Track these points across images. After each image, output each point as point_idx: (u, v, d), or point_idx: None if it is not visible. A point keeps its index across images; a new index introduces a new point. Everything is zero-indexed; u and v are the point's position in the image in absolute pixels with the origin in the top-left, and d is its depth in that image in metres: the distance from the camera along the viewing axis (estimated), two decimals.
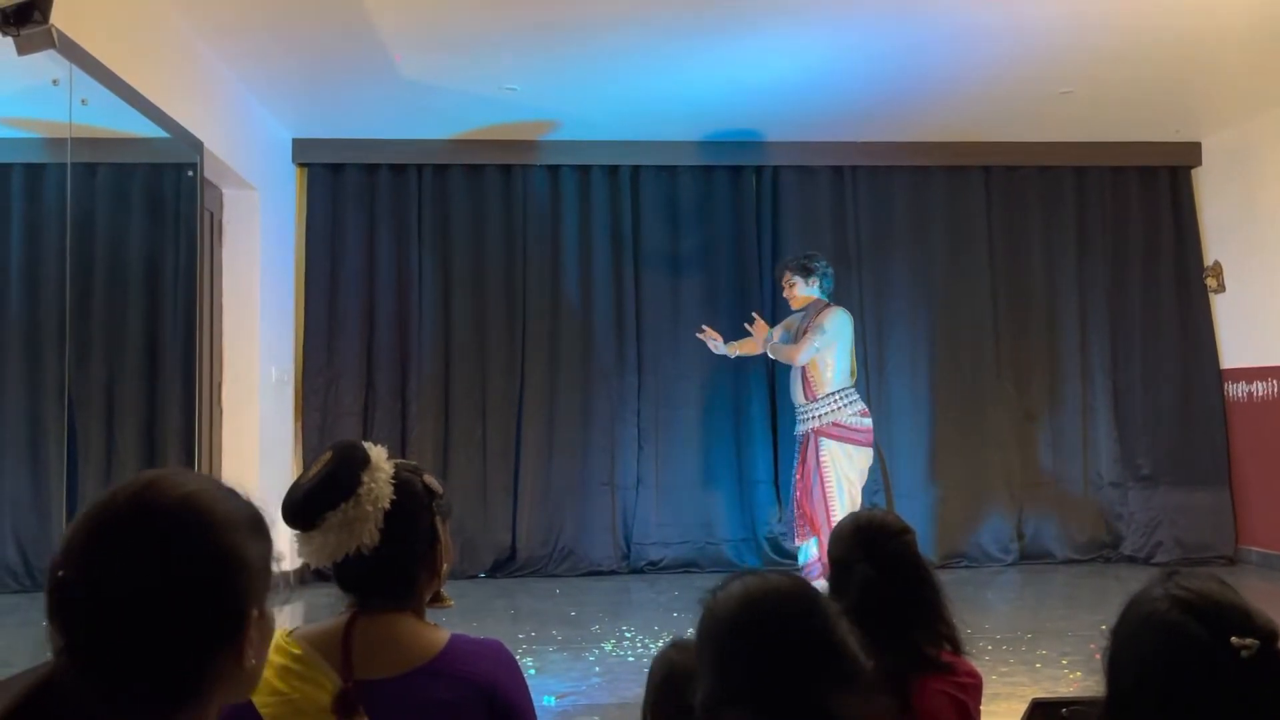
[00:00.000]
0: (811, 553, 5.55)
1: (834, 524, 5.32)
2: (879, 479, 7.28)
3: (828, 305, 5.68)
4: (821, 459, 5.47)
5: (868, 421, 5.56)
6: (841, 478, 5.45)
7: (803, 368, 5.62)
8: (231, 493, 1.07)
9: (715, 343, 5.99)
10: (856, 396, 5.60)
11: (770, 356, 5.97)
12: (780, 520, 6.43)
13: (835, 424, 5.49)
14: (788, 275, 5.79)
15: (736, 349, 6.00)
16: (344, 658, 1.55)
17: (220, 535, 1.00)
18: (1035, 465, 7.42)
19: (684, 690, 1.59)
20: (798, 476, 5.62)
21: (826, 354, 5.55)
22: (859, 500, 5.49)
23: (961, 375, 7.44)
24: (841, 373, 5.56)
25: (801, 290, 5.71)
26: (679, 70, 5.91)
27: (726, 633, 1.34)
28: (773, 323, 6.24)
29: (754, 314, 6.09)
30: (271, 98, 6.38)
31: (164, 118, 4.81)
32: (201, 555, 0.99)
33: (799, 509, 5.61)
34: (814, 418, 5.54)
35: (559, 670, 4.66)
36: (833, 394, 5.52)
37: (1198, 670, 1.22)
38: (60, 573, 0.96)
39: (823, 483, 5.45)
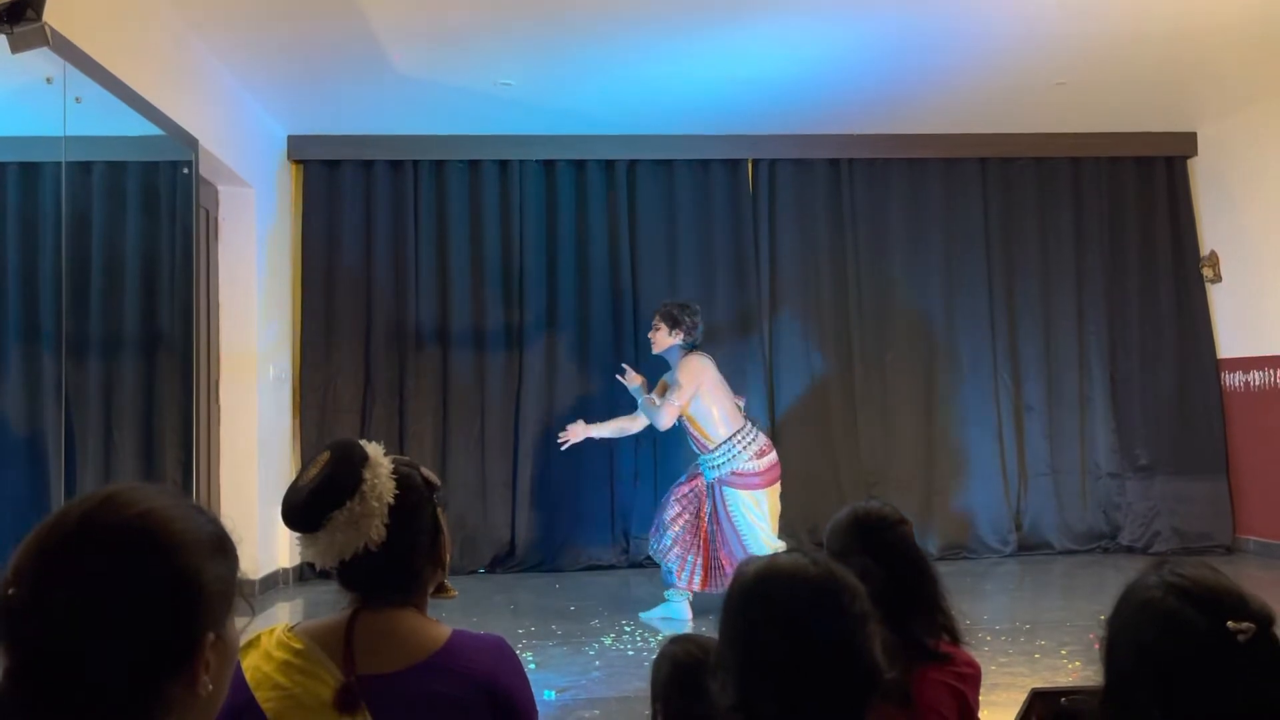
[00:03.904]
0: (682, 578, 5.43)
1: None
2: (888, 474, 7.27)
3: (685, 353, 5.49)
4: (729, 509, 5.36)
5: (766, 460, 5.37)
6: (752, 524, 5.34)
7: (684, 422, 5.46)
8: (194, 510, 1.03)
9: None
10: (754, 435, 5.42)
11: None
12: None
13: (733, 473, 5.35)
14: (656, 319, 5.60)
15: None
16: (346, 652, 1.55)
17: (174, 556, 0.97)
18: (1033, 456, 7.43)
19: (691, 682, 1.58)
20: (705, 519, 5.46)
21: (696, 404, 5.38)
22: (774, 542, 5.32)
23: (959, 366, 7.44)
24: (724, 418, 5.38)
25: (663, 337, 5.53)
26: (675, 64, 5.90)
27: (735, 602, 1.35)
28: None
29: (624, 365, 5.86)
30: (267, 94, 6.37)
31: (159, 115, 4.79)
32: (153, 577, 0.96)
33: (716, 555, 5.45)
34: (713, 468, 5.42)
35: (559, 665, 4.66)
36: (724, 442, 5.36)
37: (1195, 656, 1.22)
38: (10, 591, 0.93)
39: (736, 532, 5.35)
